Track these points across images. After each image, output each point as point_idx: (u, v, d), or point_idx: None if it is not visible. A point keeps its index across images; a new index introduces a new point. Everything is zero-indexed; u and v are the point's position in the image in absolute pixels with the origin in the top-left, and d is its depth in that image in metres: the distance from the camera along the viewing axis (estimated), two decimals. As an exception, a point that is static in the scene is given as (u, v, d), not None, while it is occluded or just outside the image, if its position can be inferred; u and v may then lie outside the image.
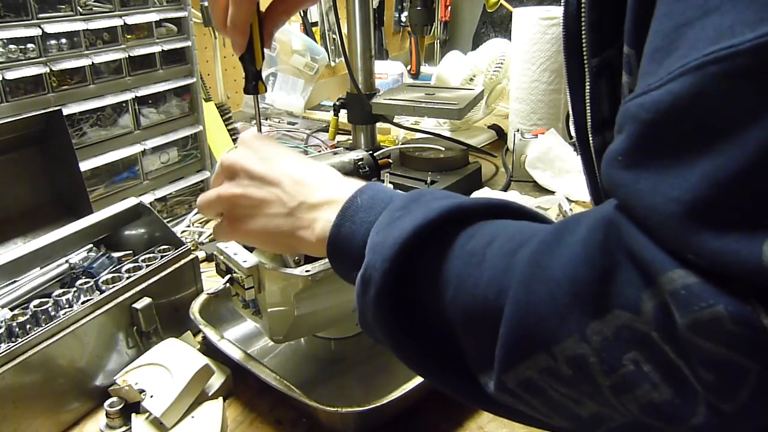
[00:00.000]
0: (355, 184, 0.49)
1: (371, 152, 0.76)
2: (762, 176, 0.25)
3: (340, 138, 1.48)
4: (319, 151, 1.39)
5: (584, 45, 0.41)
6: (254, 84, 0.62)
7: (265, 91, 0.63)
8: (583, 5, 0.40)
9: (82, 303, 0.69)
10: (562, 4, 0.42)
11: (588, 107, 0.44)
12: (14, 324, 0.66)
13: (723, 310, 0.25)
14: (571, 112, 0.46)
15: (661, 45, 0.28)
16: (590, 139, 0.45)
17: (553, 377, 0.32)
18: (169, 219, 1.10)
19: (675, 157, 0.27)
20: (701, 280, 0.26)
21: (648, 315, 0.28)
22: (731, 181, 0.25)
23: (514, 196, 1.11)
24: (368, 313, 0.42)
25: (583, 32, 0.41)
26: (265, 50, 0.61)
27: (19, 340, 0.61)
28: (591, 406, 0.32)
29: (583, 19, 0.40)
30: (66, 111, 0.88)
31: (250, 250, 0.68)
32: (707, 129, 0.26)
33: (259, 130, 0.67)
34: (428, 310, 0.40)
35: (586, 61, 0.42)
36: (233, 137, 1.35)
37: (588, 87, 0.43)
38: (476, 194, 1.15)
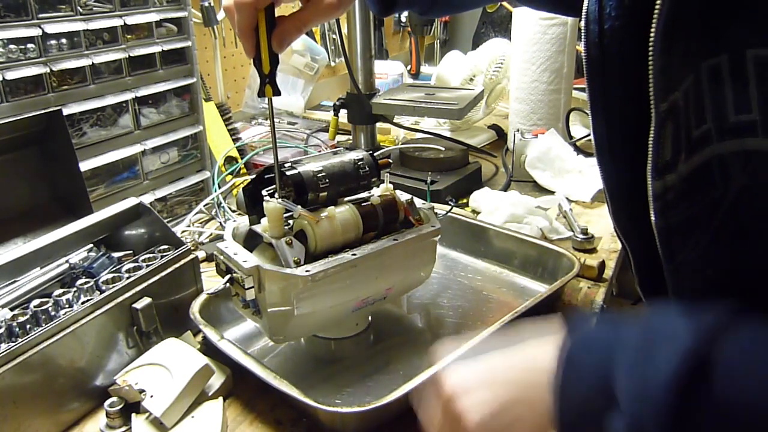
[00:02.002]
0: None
1: (371, 152, 0.76)
2: None
3: (340, 138, 1.48)
4: (319, 151, 1.39)
5: (650, 90, 0.40)
6: (263, 87, 0.63)
7: (273, 94, 0.63)
8: (651, 50, 0.39)
9: (82, 303, 0.69)
10: (583, 38, 0.42)
11: (651, 150, 0.42)
12: (14, 324, 0.66)
13: None
14: (591, 125, 0.45)
15: None
16: (649, 181, 0.43)
17: None
18: (169, 219, 1.10)
19: None
20: None
21: None
22: None
23: (514, 196, 1.11)
24: None
25: (650, 78, 0.40)
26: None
27: (19, 340, 0.61)
28: None
29: (650, 64, 0.39)
30: (66, 111, 0.88)
31: (250, 250, 0.68)
32: None
33: (273, 133, 0.67)
34: None
35: (653, 106, 0.41)
36: (233, 137, 1.35)
37: (653, 132, 0.42)
38: (476, 194, 1.15)
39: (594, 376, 0.39)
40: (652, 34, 0.39)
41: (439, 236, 0.76)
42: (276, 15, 0.61)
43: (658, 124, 0.41)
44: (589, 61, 0.43)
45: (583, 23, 0.42)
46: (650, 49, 0.39)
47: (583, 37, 0.42)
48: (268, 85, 0.63)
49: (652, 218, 0.45)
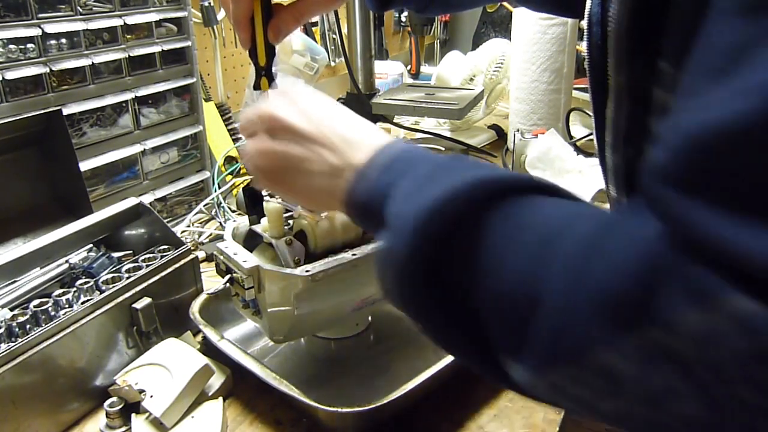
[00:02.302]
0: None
1: (371, 152, 0.76)
2: None
3: (340, 138, 1.47)
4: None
5: (608, 61, 0.40)
6: (259, 79, 0.62)
7: (269, 87, 0.62)
8: (609, 27, 0.39)
9: (82, 303, 0.69)
10: (586, 40, 0.42)
11: (610, 124, 0.43)
12: (14, 324, 0.66)
13: None
14: (595, 130, 0.45)
15: (722, 64, 0.27)
16: (608, 155, 0.44)
17: (581, 384, 0.32)
18: (169, 219, 1.10)
19: (730, 173, 0.26)
20: (764, 307, 0.25)
21: (686, 335, 0.27)
22: None
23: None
24: (390, 282, 0.41)
25: (608, 48, 0.40)
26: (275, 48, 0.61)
27: (19, 340, 0.61)
28: (617, 404, 0.32)
29: (609, 34, 0.39)
30: (66, 111, 0.88)
31: (250, 250, 0.68)
32: None
33: None
34: (454, 287, 0.39)
35: (611, 79, 0.41)
36: (233, 137, 1.35)
37: (612, 105, 0.42)
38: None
39: (380, 188, 0.43)
40: (612, 14, 0.39)
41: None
42: (273, 2, 0.59)
43: (615, 97, 0.41)
44: (591, 64, 0.43)
45: (585, 25, 0.42)
46: (609, 19, 0.39)
47: (585, 39, 0.42)
48: (264, 77, 0.62)
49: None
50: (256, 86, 0.63)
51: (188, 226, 1.09)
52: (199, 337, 0.79)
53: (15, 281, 0.72)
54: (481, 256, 0.37)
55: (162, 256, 0.77)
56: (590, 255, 0.32)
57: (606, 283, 0.30)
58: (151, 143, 1.04)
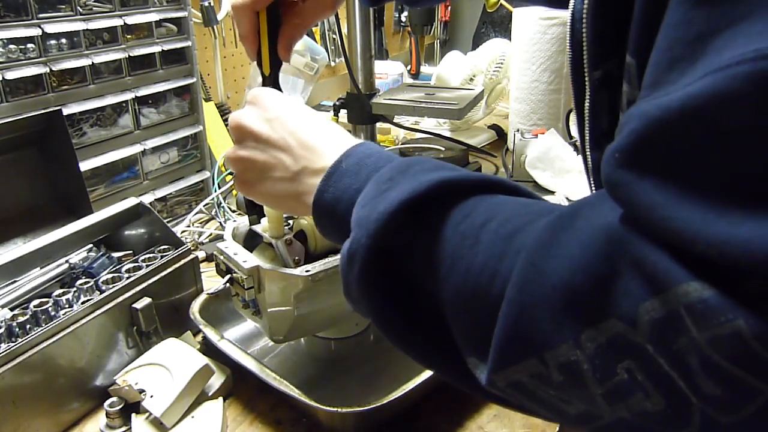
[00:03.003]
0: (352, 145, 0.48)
1: (371, 152, 0.76)
2: None
3: (340, 138, 1.47)
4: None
5: (585, 57, 0.40)
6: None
7: None
8: (584, 17, 0.39)
9: (82, 303, 0.69)
10: (569, 21, 0.42)
11: (587, 120, 0.43)
12: (14, 324, 0.66)
13: (743, 324, 0.24)
14: (577, 128, 0.46)
15: (682, 54, 0.27)
16: (588, 152, 0.44)
17: (544, 381, 0.32)
18: (169, 219, 1.10)
19: (681, 154, 0.26)
20: (719, 293, 0.25)
21: (644, 326, 0.27)
22: (743, 178, 0.25)
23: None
24: (353, 287, 0.41)
25: (584, 44, 0.40)
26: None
27: (19, 340, 0.61)
28: (580, 406, 0.32)
29: (584, 32, 0.40)
30: (66, 111, 0.88)
31: (250, 250, 0.68)
32: (723, 126, 0.25)
33: None
34: (416, 290, 0.39)
35: (587, 74, 0.41)
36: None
37: (588, 100, 0.42)
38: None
39: (348, 194, 0.44)
40: (586, 8, 0.39)
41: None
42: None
43: (592, 93, 0.41)
44: (573, 60, 0.42)
45: (569, 22, 0.42)
46: (584, 15, 0.39)
47: (568, 36, 0.42)
48: (271, 87, 0.62)
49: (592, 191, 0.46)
50: None
51: (188, 226, 1.09)
52: (199, 337, 0.79)
53: (15, 281, 0.72)
54: (441, 257, 0.37)
55: (162, 256, 0.77)
56: (547, 249, 0.32)
57: (561, 277, 0.30)
58: (151, 143, 1.04)
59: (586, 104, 0.42)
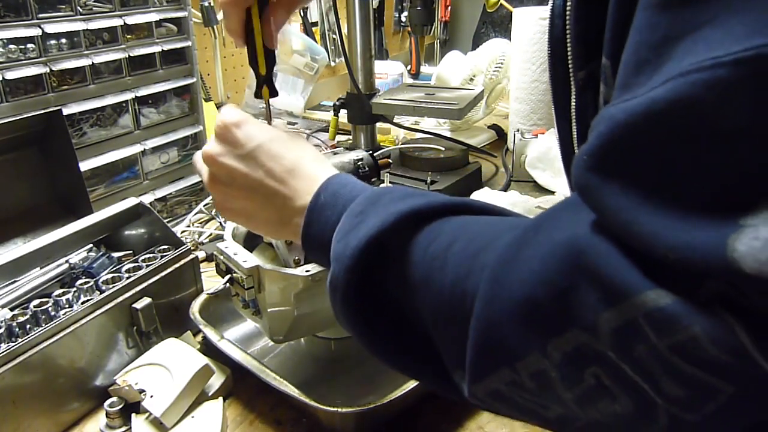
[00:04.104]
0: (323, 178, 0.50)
1: (371, 152, 0.76)
2: (736, 177, 0.25)
3: (340, 138, 1.48)
4: (320, 151, 1.39)
5: (569, 58, 0.41)
6: (260, 88, 0.62)
7: (270, 95, 0.62)
8: (567, 20, 0.39)
9: (82, 303, 0.69)
10: (548, 31, 0.42)
11: (574, 122, 0.43)
12: (14, 324, 0.66)
13: (700, 330, 0.25)
14: (555, 126, 0.46)
15: (648, 57, 0.28)
16: (576, 151, 0.44)
17: (519, 389, 0.33)
18: (169, 219, 1.10)
19: (643, 157, 0.27)
20: (676, 300, 0.26)
21: (605, 335, 0.28)
22: (701, 180, 0.25)
23: (514, 196, 1.11)
24: (340, 316, 0.44)
25: (568, 45, 0.40)
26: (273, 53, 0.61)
27: (19, 340, 0.61)
28: (557, 410, 0.32)
29: (568, 31, 0.40)
30: (66, 111, 0.88)
31: (250, 250, 0.68)
32: (682, 131, 0.26)
33: None
34: (398, 314, 0.41)
35: (572, 75, 0.41)
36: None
37: (574, 101, 0.42)
38: (476, 194, 1.15)
39: (327, 229, 0.46)
40: (568, 13, 0.39)
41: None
42: None
43: (578, 93, 0.42)
44: (553, 58, 0.42)
45: (548, 17, 0.42)
46: (567, 18, 0.39)
47: (548, 32, 0.42)
48: (265, 86, 0.62)
49: None
50: (257, 95, 0.63)
51: (188, 226, 1.09)
52: (199, 337, 0.79)
53: (15, 281, 0.72)
54: (414, 282, 0.39)
55: (162, 256, 0.77)
56: (510, 264, 0.33)
57: (523, 292, 0.31)
58: (151, 143, 1.04)
59: (572, 104, 0.43)
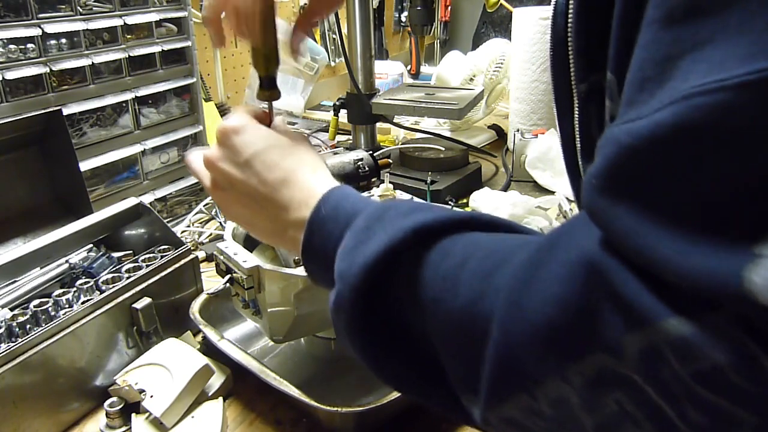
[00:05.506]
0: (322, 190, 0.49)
1: (371, 152, 0.76)
2: (740, 206, 0.24)
3: (340, 138, 1.48)
4: (319, 152, 1.39)
5: (572, 70, 0.40)
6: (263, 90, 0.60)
7: (270, 98, 0.59)
8: (569, 31, 0.39)
9: (82, 303, 0.69)
10: (550, 30, 0.41)
11: (577, 132, 0.43)
12: (14, 324, 0.66)
13: (723, 359, 0.25)
14: (557, 125, 0.46)
15: (651, 75, 0.27)
16: (580, 164, 0.44)
17: (535, 415, 0.32)
18: (169, 219, 1.10)
19: (651, 182, 0.26)
20: (697, 328, 0.25)
21: (630, 358, 0.27)
22: (708, 207, 0.25)
23: (514, 196, 1.11)
24: (343, 336, 0.42)
25: (570, 57, 0.40)
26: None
27: (19, 340, 0.61)
28: None
29: (570, 44, 0.39)
30: (66, 111, 0.88)
31: (251, 250, 0.68)
32: (687, 156, 0.25)
33: None
34: (404, 335, 0.40)
35: (574, 86, 0.41)
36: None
37: (577, 112, 0.42)
38: (476, 194, 1.15)
39: (329, 245, 0.45)
40: (570, 16, 0.39)
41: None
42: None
43: (580, 105, 0.41)
44: (555, 60, 0.42)
45: (551, 15, 0.41)
46: (569, 29, 0.39)
47: (550, 30, 0.41)
48: (266, 87, 0.58)
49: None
50: (258, 96, 0.61)
51: (188, 226, 1.09)
52: (199, 337, 0.79)
53: (15, 281, 0.72)
54: (423, 302, 0.38)
55: (162, 256, 0.77)
56: (527, 286, 0.32)
57: (543, 314, 0.30)
58: (151, 143, 1.04)
59: (576, 115, 0.42)
